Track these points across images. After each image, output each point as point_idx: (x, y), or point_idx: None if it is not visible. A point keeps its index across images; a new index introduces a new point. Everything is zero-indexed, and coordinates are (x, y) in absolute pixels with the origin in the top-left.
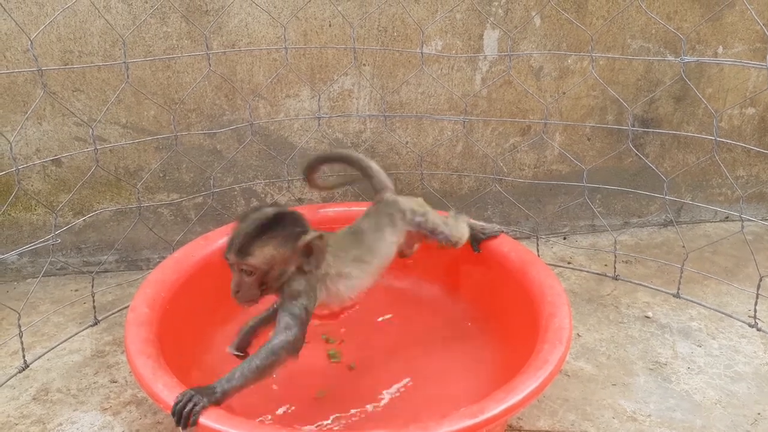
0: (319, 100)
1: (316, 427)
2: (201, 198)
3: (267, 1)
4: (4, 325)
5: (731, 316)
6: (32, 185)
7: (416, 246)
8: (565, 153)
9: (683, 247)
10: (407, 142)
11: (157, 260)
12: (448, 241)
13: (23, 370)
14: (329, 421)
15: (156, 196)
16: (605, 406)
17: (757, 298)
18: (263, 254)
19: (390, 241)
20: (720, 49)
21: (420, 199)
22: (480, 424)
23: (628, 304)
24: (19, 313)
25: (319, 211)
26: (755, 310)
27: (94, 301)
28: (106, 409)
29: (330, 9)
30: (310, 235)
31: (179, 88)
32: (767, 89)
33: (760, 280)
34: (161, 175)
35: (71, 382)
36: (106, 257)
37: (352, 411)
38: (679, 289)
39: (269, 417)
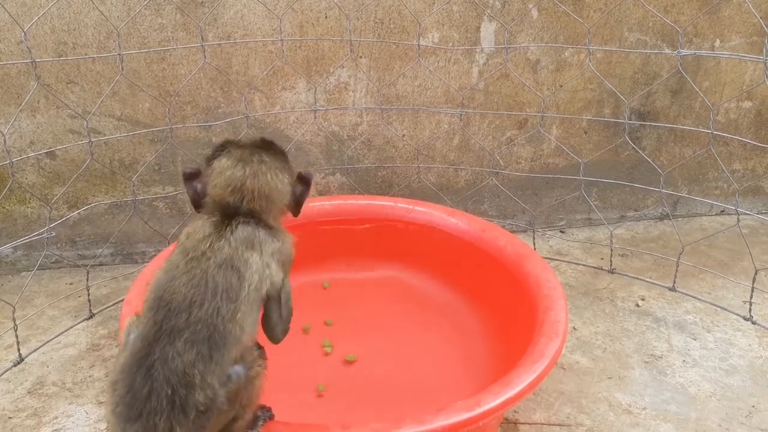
0: (315, 92)
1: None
2: None
3: None
4: None
5: (726, 310)
6: (26, 178)
7: None
8: (561, 146)
9: (679, 240)
10: (404, 135)
11: (153, 253)
12: None
13: (18, 363)
14: (327, 415)
15: (151, 189)
16: (601, 399)
17: (752, 291)
18: None
19: None
20: (717, 42)
21: None
22: (476, 417)
23: (624, 297)
24: (13, 307)
25: (314, 204)
26: (750, 303)
27: (89, 295)
28: (102, 402)
29: (326, 0)
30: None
31: (174, 80)
32: (764, 82)
33: (756, 273)
34: (156, 168)
35: (66, 376)
36: (101, 250)
37: (350, 404)
38: (674, 282)
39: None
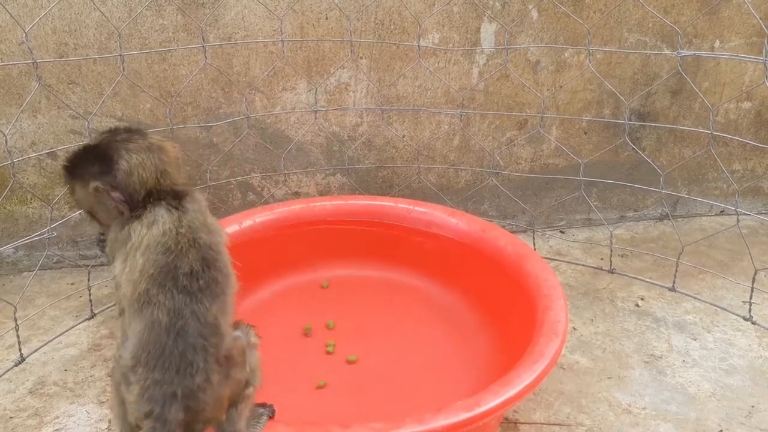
0: (315, 93)
1: (316, 419)
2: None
3: None
4: (0, 318)
5: (726, 310)
6: (28, 178)
7: None
8: (561, 147)
9: (679, 240)
10: (404, 136)
11: None
12: None
13: (20, 363)
14: (328, 414)
15: None
16: (600, 399)
17: (752, 291)
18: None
19: None
20: (717, 43)
21: None
22: (476, 417)
23: (624, 297)
24: (15, 307)
25: (315, 204)
26: (750, 304)
27: (90, 295)
28: (103, 402)
29: (327, 1)
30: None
31: (175, 80)
32: (764, 83)
33: (755, 273)
34: None
35: (68, 376)
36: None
37: (350, 402)
38: (674, 282)
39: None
